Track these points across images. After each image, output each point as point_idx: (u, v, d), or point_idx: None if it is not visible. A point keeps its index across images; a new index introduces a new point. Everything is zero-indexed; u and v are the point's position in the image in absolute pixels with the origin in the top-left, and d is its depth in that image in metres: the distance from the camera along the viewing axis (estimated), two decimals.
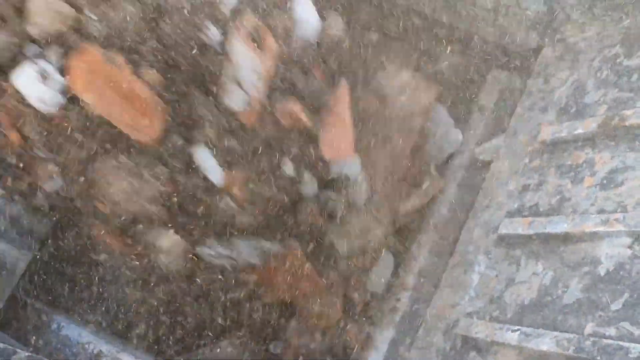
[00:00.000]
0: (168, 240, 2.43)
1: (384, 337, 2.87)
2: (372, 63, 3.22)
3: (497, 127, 3.20)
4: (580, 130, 2.58)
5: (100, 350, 1.96)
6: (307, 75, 2.67)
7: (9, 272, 2.00)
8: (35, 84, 2.07)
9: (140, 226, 2.39)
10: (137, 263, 2.47)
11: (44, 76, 2.08)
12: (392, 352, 2.84)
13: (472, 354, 2.48)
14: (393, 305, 2.96)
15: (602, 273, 2.19)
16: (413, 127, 3.20)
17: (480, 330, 2.45)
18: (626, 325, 2.01)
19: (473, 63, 3.46)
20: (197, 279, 2.60)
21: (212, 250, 2.55)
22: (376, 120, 3.06)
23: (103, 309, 2.72)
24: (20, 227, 1.98)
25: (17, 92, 2.10)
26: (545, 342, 2.18)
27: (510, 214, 2.69)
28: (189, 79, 2.34)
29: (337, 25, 2.84)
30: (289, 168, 2.65)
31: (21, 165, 2.17)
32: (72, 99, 2.14)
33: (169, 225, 2.43)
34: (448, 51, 3.57)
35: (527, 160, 2.81)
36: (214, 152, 2.41)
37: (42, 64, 2.09)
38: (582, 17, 2.90)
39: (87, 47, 2.13)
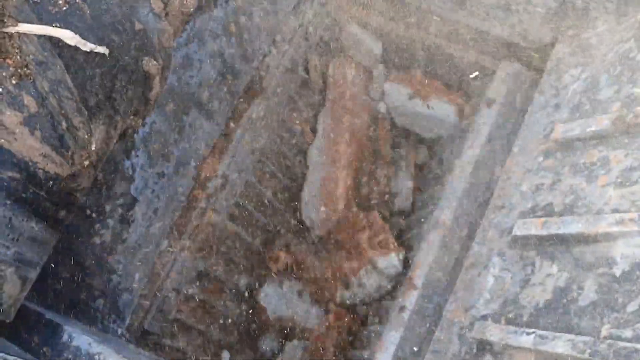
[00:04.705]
0: None
1: (392, 338, 2.85)
2: None
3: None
4: (593, 128, 2.52)
5: None
6: None
7: (19, 283, 2.00)
8: None
9: None
10: None
11: None
12: (400, 353, 2.82)
13: (487, 357, 2.44)
14: (402, 305, 2.93)
15: (618, 274, 2.14)
16: None
17: (495, 334, 2.42)
18: None
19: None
20: None
21: None
22: None
23: (115, 316, 2.74)
24: (31, 237, 1.98)
25: None
26: (561, 345, 2.14)
27: (524, 215, 2.65)
28: None
29: None
30: None
31: None
32: None
33: None
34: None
35: (540, 159, 2.76)
36: None
37: None
38: (595, 12, 2.85)
39: None
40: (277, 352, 3.56)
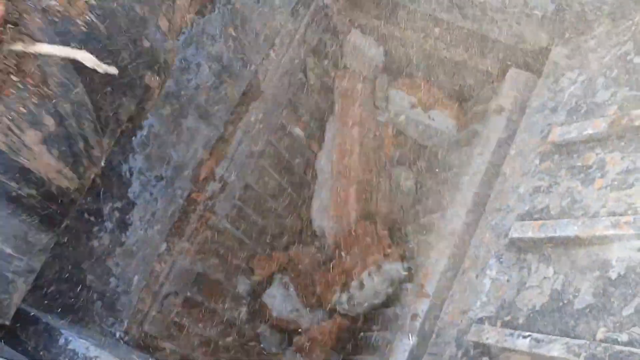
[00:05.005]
0: None
1: (405, 345, 2.84)
2: None
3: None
4: (590, 131, 2.52)
5: None
6: None
7: (16, 286, 2.01)
8: None
9: None
10: None
11: None
12: None
13: None
14: (414, 312, 2.93)
15: (613, 277, 2.15)
16: None
17: (492, 336, 2.42)
18: (638, 330, 1.97)
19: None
20: None
21: None
22: None
23: (114, 319, 2.75)
24: (27, 240, 1.99)
25: None
26: (556, 349, 2.14)
27: (521, 217, 2.65)
28: None
29: None
30: None
31: None
32: None
33: None
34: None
35: (537, 162, 2.77)
36: None
37: None
38: (591, 15, 2.85)
39: None
40: (279, 353, 3.57)
